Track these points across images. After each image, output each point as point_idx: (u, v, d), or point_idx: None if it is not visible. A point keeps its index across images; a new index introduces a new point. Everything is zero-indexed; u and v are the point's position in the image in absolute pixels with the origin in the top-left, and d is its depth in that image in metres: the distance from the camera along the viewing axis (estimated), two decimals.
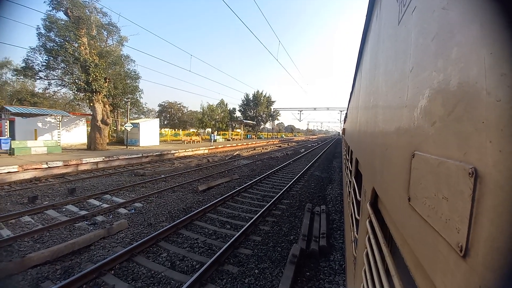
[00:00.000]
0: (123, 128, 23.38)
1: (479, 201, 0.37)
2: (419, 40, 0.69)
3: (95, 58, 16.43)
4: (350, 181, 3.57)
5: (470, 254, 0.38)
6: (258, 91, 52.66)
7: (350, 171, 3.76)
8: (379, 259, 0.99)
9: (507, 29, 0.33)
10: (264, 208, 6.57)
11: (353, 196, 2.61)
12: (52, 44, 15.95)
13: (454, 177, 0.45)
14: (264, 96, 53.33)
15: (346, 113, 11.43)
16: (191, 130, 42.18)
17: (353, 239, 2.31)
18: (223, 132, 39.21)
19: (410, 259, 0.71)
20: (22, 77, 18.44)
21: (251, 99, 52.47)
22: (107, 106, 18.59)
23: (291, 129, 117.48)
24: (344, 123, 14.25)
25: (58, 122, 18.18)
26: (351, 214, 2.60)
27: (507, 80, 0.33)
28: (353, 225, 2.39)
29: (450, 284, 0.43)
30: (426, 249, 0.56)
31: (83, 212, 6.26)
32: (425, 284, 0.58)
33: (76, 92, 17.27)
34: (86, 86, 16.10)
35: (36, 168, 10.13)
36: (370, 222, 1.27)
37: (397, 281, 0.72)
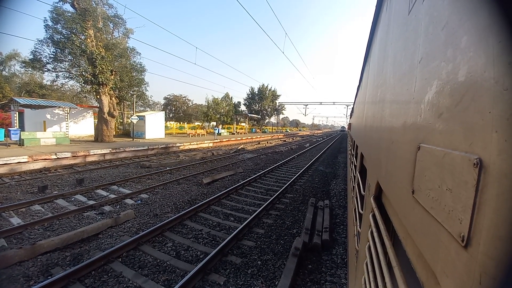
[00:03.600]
0: (129, 121, 23.63)
1: (483, 191, 0.37)
2: (429, 30, 0.68)
3: (101, 50, 16.51)
4: (354, 176, 3.56)
5: (472, 244, 0.38)
6: (263, 84, 52.32)
7: (355, 166, 3.74)
8: (381, 251, 1.00)
9: None
10: (268, 202, 6.61)
11: (357, 190, 2.61)
12: (59, 36, 16.05)
13: (458, 168, 0.44)
14: (270, 90, 52.95)
15: (353, 108, 11.30)
16: (196, 123, 42.34)
17: (356, 233, 2.32)
18: (228, 126, 39.26)
19: (412, 250, 0.71)
20: (30, 69, 18.66)
21: (256, 92, 52.18)
22: (113, 98, 18.75)
23: (296, 123, 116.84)
24: (350, 118, 14.11)
25: (66, 114, 18.48)
26: (355, 209, 2.61)
27: None
28: (356, 219, 2.40)
29: (450, 273, 0.44)
30: (428, 240, 0.56)
31: (91, 202, 6.42)
32: (426, 274, 0.58)
33: (83, 85, 17.48)
34: (93, 78, 16.25)
35: (45, 159, 10.38)
36: (374, 216, 1.27)
37: (398, 272, 0.73)
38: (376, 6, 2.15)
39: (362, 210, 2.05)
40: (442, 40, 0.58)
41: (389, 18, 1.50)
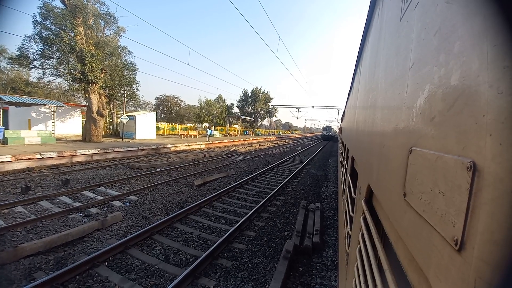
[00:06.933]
0: (119, 121, 23.11)
1: (477, 195, 0.37)
2: (421, 35, 0.69)
3: (91, 48, 16.11)
4: (345, 179, 3.59)
5: (466, 248, 0.38)
6: (256, 87, 52.45)
7: (346, 169, 3.78)
8: (372, 254, 1.00)
9: (511, 21, 0.33)
10: (259, 204, 6.59)
11: (348, 193, 2.63)
12: (47, 33, 15.58)
13: (451, 172, 0.44)
14: (263, 92, 53.13)
15: (344, 112, 11.47)
16: (188, 124, 41.88)
17: (346, 235, 2.33)
18: (220, 128, 39.04)
19: (403, 254, 0.71)
20: (16, 65, 18.02)
21: (249, 95, 52.23)
22: (103, 97, 18.29)
23: (288, 126, 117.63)
24: (341, 122, 14.31)
25: (52, 113, 17.89)
26: (345, 211, 2.63)
27: (510, 72, 0.32)
28: (347, 222, 2.41)
29: (444, 278, 0.43)
30: (420, 244, 0.56)
31: (77, 204, 6.20)
32: (417, 278, 0.58)
33: (71, 83, 16.96)
34: (81, 76, 15.82)
35: (29, 159, 9.98)
36: (364, 219, 1.28)
37: (389, 276, 0.72)
38: (368, 12, 2.19)
39: (353, 212, 2.07)
40: (434, 45, 0.59)
41: (381, 24, 1.52)
